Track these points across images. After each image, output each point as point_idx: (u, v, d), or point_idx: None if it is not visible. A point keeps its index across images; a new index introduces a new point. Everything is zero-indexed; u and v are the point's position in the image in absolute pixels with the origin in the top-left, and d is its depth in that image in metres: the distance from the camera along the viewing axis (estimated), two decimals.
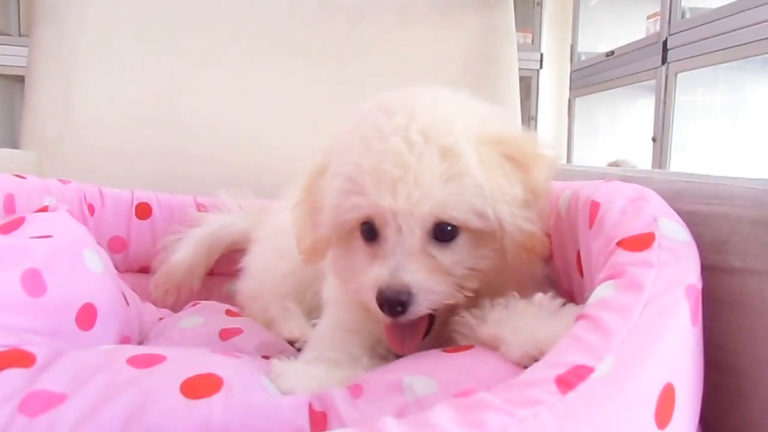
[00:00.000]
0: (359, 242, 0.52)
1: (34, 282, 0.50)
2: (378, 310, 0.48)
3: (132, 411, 0.34)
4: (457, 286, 0.50)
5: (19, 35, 2.37)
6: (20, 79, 2.32)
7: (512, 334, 0.43)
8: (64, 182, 0.81)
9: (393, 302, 0.47)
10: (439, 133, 0.50)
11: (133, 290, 0.71)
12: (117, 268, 0.71)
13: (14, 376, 0.37)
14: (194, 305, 0.74)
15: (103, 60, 1.00)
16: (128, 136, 1.00)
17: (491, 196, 0.50)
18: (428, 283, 0.48)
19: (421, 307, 0.48)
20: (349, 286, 0.53)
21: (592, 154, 2.36)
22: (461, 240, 0.50)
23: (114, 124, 1.00)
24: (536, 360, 0.33)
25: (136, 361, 0.39)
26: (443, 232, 0.50)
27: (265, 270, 0.77)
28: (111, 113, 1.00)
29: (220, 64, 1.03)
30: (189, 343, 0.59)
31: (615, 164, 2.04)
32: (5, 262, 0.49)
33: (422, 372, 0.41)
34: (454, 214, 0.49)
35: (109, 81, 1.00)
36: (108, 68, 1.00)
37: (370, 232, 0.51)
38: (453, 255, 0.50)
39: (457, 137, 0.50)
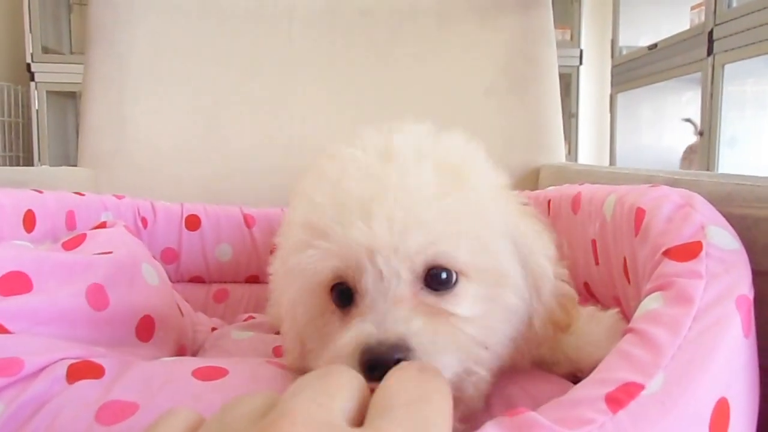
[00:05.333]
0: (332, 307, 0.38)
1: (98, 296, 0.52)
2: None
3: None
4: (474, 346, 0.35)
5: (71, 53, 2.47)
6: (71, 95, 2.44)
7: (551, 353, 0.42)
8: (118, 197, 0.84)
9: (385, 360, 0.31)
10: (436, 150, 0.40)
11: (186, 300, 0.74)
12: (170, 279, 0.74)
13: (88, 386, 0.39)
14: (246, 320, 0.76)
15: (152, 78, 1.05)
16: (177, 150, 1.04)
17: (517, 236, 0.39)
18: (431, 332, 0.34)
19: None
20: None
21: (636, 150, 2.31)
22: (461, 289, 0.37)
23: (163, 139, 1.04)
24: (576, 376, 0.32)
25: (201, 374, 0.41)
26: (437, 280, 0.36)
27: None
28: (160, 129, 1.04)
29: (262, 78, 1.06)
30: (244, 353, 0.61)
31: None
32: (72, 277, 0.52)
33: None
34: (454, 250, 0.36)
35: (157, 98, 1.04)
36: (157, 85, 1.05)
37: (344, 295, 0.37)
38: (456, 307, 0.37)
39: (464, 159, 0.40)
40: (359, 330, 0.34)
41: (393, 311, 0.34)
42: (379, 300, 0.35)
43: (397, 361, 0.31)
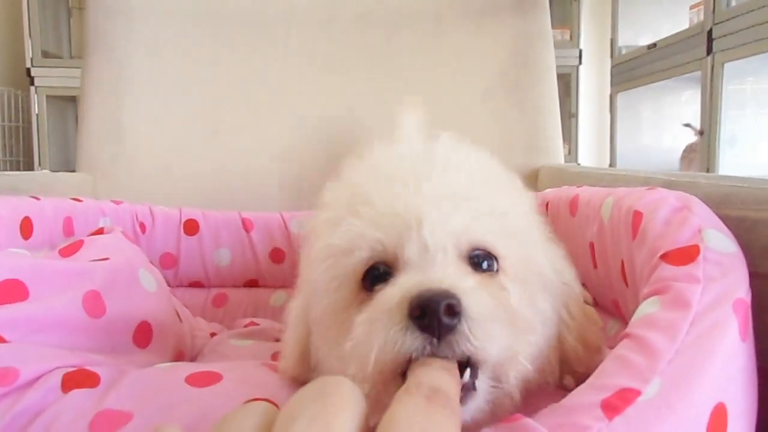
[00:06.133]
0: (360, 298, 0.35)
1: (94, 303, 0.52)
2: (404, 341, 0.30)
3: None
4: (520, 330, 0.33)
5: (70, 57, 2.48)
6: (71, 99, 2.45)
7: None
8: (116, 203, 0.84)
9: (438, 302, 0.29)
10: (475, 152, 0.42)
11: (185, 306, 0.74)
12: (169, 284, 0.73)
13: (83, 395, 0.39)
14: (248, 326, 0.76)
15: (151, 84, 1.05)
16: (175, 156, 1.04)
17: (541, 247, 0.41)
18: (481, 296, 0.32)
19: (477, 336, 0.30)
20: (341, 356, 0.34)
21: (636, 150, 2.31)
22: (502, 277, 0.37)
23: (161, 144, 1.04)
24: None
25: (194, 380, 0.41)
26: (479, 267, 0.36)
27: None
28: (158, 135, 1.04)
29: (260, 84, 1.06)
30: (242, 359, 0.61)
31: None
32: (68, 285, 0.52)
33: None
34: (496, 239, 0.36)
35: (156, 104, 1.04)
36: (155, 91, 1.05)
37: (378, 280, 0.35)
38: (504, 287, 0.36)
39: (499, 171, 0.42)
40: (404, 281, 0.32)
41: (440, 271, 0.33)
42: (425, 265, 0.33)
43: (449, 308, 0.30)
